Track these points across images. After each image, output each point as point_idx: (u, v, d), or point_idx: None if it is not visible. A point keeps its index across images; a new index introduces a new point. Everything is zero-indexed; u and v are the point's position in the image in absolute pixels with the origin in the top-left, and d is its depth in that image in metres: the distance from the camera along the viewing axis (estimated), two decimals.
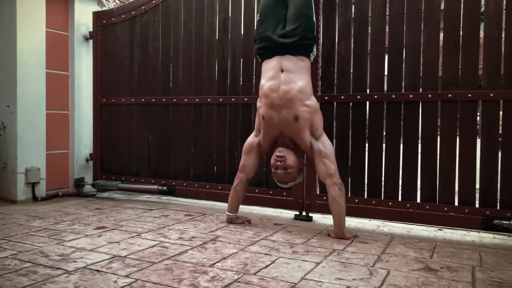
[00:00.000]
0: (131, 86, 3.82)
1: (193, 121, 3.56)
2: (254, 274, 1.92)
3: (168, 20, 3.64)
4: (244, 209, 3.35)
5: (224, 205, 3.11)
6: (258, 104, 2.77)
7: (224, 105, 3.43)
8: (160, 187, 3.61)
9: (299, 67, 2.66)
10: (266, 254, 2.23)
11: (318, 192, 3.09)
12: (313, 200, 3.10)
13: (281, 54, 2.68)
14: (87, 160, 4.02)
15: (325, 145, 2.65)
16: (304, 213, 3.14)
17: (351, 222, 3.03)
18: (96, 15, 3.96)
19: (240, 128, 3.36)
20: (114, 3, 5.90)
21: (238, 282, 1.82)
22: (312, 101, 2.66)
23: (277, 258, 2.16)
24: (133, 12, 3.80)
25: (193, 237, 2.53)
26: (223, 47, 3.42)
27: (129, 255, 2.17)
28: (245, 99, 3.32)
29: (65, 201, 3.62)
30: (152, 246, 2.32)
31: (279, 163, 2.63)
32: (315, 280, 1.86)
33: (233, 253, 2.22)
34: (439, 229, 2.88)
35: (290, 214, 3.22)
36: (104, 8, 4.48)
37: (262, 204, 3.30)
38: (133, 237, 2.51)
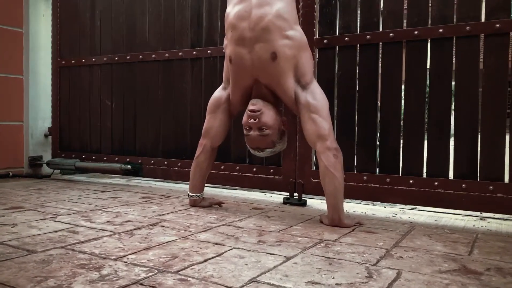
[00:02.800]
0: (92, 43, 3.14)
1: (162, 82, 2.85)
2: (176, 272, 1.18)
3: None
4: (224, 191, 2.62)
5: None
6: (225, 42, 2.02)
7: (199, 59, 2.70)
8: (123, 166, 2.90)
9: None
10: (216, 243, 1.48)
11: (314, 168, 2.32)
12: (307, 178, 2.32)
13: None
14: (45, 136, 3.36)
15: (315, 96, 1.88)
16: (296, 196, 2.37)
17: (358, 207, 2.25)
18: None
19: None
20: None
21: (140, 284, 1.08)
22: (297, 32, 1.89)
23: (229, 250, 1.40)
24: None
25: (126, 221, 1.80)
26: None
27: (10, 240, 1.46)
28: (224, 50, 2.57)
29: (12, 182, 2.97)
30: (56, 231, 1.61)
31: (252, 120, 1.87)
32: (271, 284, 1.10)
33: (166, 242, 1.48)
34: (481, 219, 2.06)
35: (280, 198, 2.47)
36: None
37: (244, 184, 2.54)
38: (44, 219, 1.81)
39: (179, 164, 2.76)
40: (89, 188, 2.74)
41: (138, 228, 1.68)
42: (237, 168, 2.55)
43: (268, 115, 1.88)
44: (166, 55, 2.80)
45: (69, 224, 1.73)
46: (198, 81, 2.71)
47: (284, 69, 1.86)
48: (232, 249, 1.42)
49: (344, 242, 1.54)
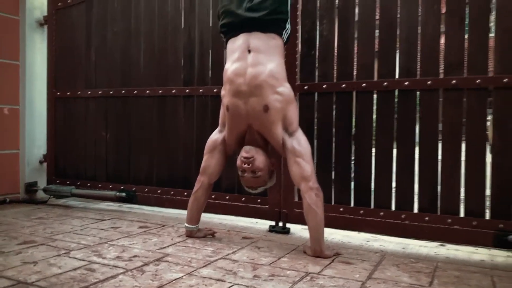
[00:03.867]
0: (88, 77, 3.34)
1: (156, 116, 3.08)
2: None
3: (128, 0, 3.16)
4: (214, 218, 2.87)
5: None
6: (222, 92, 2.28)
7: (191, 97, 2.94)
8: (118, 194, 3.11)
9: (269, 46, 2.17)
10: (218, 280, 1.73)
11: (296, 199, 2.60)
12: (291, 208, 2.60)
13: (248, 31, 2.19)
14: (40, 162, 3.54)
15: (300, 143, 2.16)
16: (280, 224, 2.65)
17: (336, 235, 2.53)
18: None
19: (209, 124, 2.87)
20: None
21: None
22: (286, 88, 2.17)
23: (230, 286, 1.66)
24: None
25: (134, 256, 2.03)
26: (190, 29, 2.94)
27: (37, 281, 1.68)
28: (215, 90, 2.83)
29: (10, 209, 3.14)
30: (75, 269, 1.83)
31: (246, 165, 2.14)
32: None
33: (175, 280, 1.73)
34: (441, 245, 2.38)
35: (265, 224, 2.73)
36: None
37: (234, 213, 2.80)
38: (59, 255, 2.02)
39: (171, 192, 2.99)
40: (87, 216, 2.94)
41: (146, 264, 1.92)
42: (227, 197, 2.80)
43: (260, 160, 2.15)
44: (160, 91, 3.04)
45: (84, 260, 1.95)
46: (190, 116, 2.95)
47: (274, 120, 2.14)
48: (233, 285, 1.68)
49: (326, 275, 1.82)
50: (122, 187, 3.16)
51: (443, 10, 2.26)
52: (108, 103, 3.25)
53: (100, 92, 3.26)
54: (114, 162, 3.24)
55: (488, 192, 2.17)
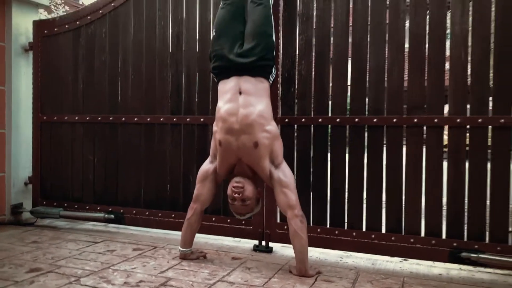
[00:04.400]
0: (75, 102, 3.49)
1: (144, 142, 3.28)
2: None
3: (116, 32, 3.34)
4: (200, 238, 3.10)
5: (178, 234, 2.84)
6: (215, 128, 2.53)
7: (178, 125, 3.17)
8: (106, 215, 3.29)
9: (258, 89, 2.45)
10: None
11: (278, 221, 2.89)
12: (273, 229, 2.89)
13: (239, 74, 2.46)
14: (26, 184, 3.64)
15: (286, 174, 2.45)
16: (263, 243, 2.93)
17: (314, 252, 2.84)
18: (37, 25, 3.60)
19: (195, 151, 3.11)
20: (64, 10, 5.52)
21: None
22: (273, 127, 2.46)
23: None
24: (77, 23, 3.47)
25: (140, 281, 2.25)
26: (177, 62, 3.17)
27: None
28: (202, 120, 3.07)
29: (0, 232, 3.24)
30: None
31: (236, 194, 2.41)
32: None
33: None
34: (404, 259, 2.74)
35: (249, 243, 3.00)
36: (53, 16, 4.11)
37: (220, 233, 3.06)
38: (70, 283, 2.21)
39: (159, 214, 3.21)
40: (79, 238, 3.10)
41: None
42: (213, 219, 3.05)
43: (249, 190, 2.43)
44: (148, 119, 3.24)
45: (96, 287, 2.15)
46: (177, 143, 3.17)
47: (263, 154, 2.42)
48: None
49: None
50: (110, 209, 3.34)
51: (406, 59, 2.63)
52: (96, 128, 3.41)
53: (87, 118, 3.42)
54: (102, 185, 3.40)
55: (444, 214, 2.55)
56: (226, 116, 2.43)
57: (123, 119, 3.32)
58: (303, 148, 2.85)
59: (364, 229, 2.70)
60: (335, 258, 2.77)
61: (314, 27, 2.81)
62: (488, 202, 2.46)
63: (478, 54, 2.47)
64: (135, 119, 3.28)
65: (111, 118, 3.35)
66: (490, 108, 2.47)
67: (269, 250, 2.90)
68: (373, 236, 2.66)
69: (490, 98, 2.46)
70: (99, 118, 3.39)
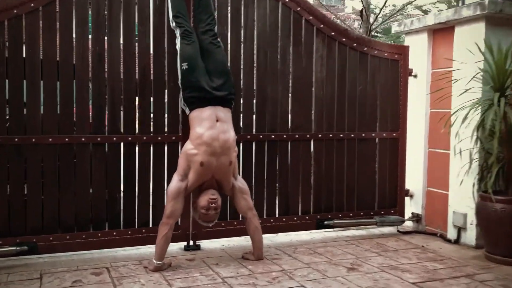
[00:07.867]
0: None
1: (62, 164, 3.12)
2: None
3: (19, 44, 2.94)
4: (131, 250, 3.30)
5: (105, 252, 3.23)
6: (195, 151, 2.96)
7: (102, 145, 3.19)
8: (19, 248, 2.95)
9: (228, 117, 3.10)
10: None
11: None
12: (199, 229, 3.49)
13: (214, 105, 3.01)
14: None
15: (243, 184, 3.24)
16: (191, 243, 3.48)
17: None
18: None
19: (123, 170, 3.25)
20: None
21: None
22: (236, 147, 3.16)
23: None
24: None
25: None
26: (100, 82, 3.16)
27: None
28: (129, 139, 3.25)
29: None
30: None
31: (213, 205, 3.01)
32: None
33: None
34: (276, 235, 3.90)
35: (176, 245, 3.43)
36: None
37: (152, 242, 3.35)
38: None
39: (83, 236, 3.16)
40: (13, 280, 2.69)
41: None
42: (143, 231, 3.33)
43: (219, 200, 3.09)
44: (66, 139, 3.08)
45: None
46: (101, 162, 3.19)
47: (231, 170, 3.11)
48: None
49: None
50: (17, 241, 2.97)
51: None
52: None
53: None
54: (4, 217, 2.95)
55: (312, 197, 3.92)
56: (210, 141, 2.96)
57: (33, 140, 3.01)
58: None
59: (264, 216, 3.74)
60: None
61: None
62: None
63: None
64: (50, 140, 3.04)
65: (16, 140, 2.96)
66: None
67: (198, 247, 3.50)
68: (272, 220, 3.74)
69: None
70: None
